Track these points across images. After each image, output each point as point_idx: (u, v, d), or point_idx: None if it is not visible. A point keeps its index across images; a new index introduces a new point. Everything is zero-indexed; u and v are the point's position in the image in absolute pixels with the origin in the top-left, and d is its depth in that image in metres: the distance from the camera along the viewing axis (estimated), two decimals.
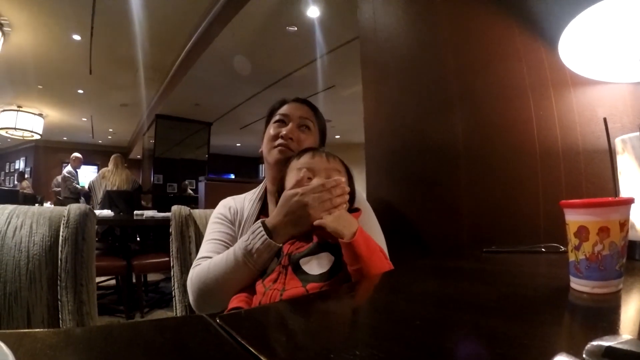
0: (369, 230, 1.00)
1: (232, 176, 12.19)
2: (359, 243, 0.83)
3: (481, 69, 1.40)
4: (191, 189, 8.86)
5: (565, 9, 1.03)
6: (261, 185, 1.24)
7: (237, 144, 12.78)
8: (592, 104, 1.12)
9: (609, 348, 0.29)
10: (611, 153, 0.92)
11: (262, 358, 0.37)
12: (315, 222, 0.90)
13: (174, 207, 1.36)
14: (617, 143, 0.90)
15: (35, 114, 9.02)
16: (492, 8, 1.37)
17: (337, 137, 10.50)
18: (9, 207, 1.04)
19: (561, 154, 1.17)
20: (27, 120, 8.89)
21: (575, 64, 1.07)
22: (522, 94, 1.27)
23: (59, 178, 6.59)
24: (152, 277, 4.43)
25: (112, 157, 5.23)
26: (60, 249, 1.01)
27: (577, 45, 1.01)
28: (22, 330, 0.46)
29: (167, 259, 3.37)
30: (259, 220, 0.96)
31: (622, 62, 1.00)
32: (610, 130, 0.95)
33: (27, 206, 1.08)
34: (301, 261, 0.87)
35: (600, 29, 0.94)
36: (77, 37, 5.20)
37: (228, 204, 1.19)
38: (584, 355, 0.30)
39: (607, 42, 0.96)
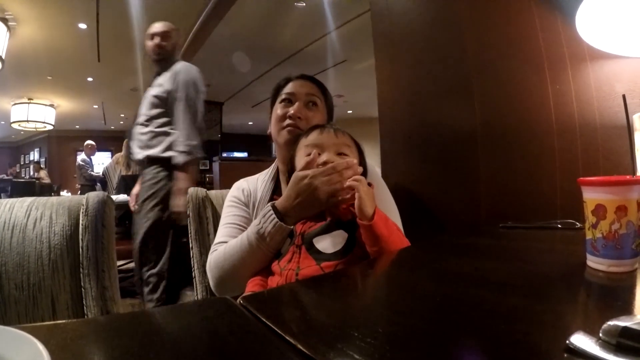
0: (383, 205, 1.00)
1: (246, 155, 12.24)
2: (378, 224, 0.84)
3: (498, 44, 1.37)
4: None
5: None
6: (273, 165, 1.25)
7: (249, 122, 12.76)
8: (610, 79, 1.10)
9: (625, 328, 0.30)
10: (629, 129, 0.91)
11: (287, 338, 0.38)
12: (348, 183, 0.89)
13: (191, 190, 1.36)
14: (636, 119, 0.89)
15: (46, 105, 9.08)
16: None
17: (350, 112, 10.38)
18: (28, 200, 1.05)
19: (578, 130, 1.16)
20: (38, 112, 8.95)
21: (593, 37, 1.04)
22: (539, 68, 1.24)
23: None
24: None
25: (125, 141, 5.25)
26: (80, 237, 1.02)
27: (595, 19, 0.98)
28: (51, 322, 0.47)
29: (184, 240, 3.43)
30: (270, 203, 0.97)
31: None
32: (629, 107, 0.94)
33: (45, 197, 1.08)
34: (314, 240, 0.88)
35: (619, 2, 0.92)
36: (83, 26, 5.18)
37: (241, 186, 1.20)
38: (600, 335, 0.31)
39: (626, 15, 0.93)
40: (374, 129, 1.86)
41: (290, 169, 1.04)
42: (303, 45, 6.03)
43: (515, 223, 1.03)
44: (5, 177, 8.32)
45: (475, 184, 1.39)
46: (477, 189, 1.39)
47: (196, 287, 1.31)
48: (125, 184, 4.40)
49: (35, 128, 9.52)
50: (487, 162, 1.37)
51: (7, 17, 4.66)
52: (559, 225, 0.97)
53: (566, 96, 1.19)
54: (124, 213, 4.06)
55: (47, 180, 8.81)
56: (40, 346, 0.32)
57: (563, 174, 1.19)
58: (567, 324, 0.40)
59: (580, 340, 0.31)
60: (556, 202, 1.19)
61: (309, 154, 0.99)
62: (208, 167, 8.91)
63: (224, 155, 7.04)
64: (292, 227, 0.94)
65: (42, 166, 10.61)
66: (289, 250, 0.91)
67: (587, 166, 1.14)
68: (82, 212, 1.04)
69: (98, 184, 6.17)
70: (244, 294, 0.82)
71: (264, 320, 0.44)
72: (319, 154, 0.98)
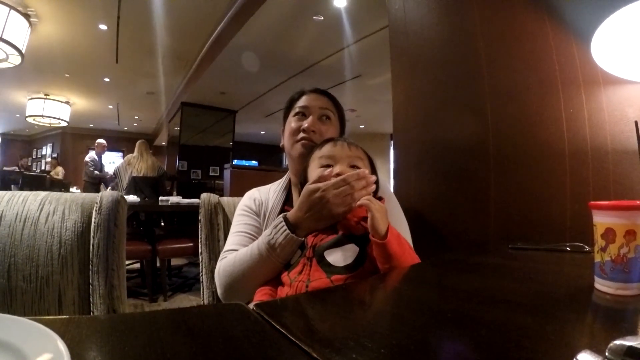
0: (394, 219, 0.99)
1: (256, 163, 12.31)
2: (392, 243, 0.84)
3: (512, 64, 1.39)
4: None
5: (600, 7, 1.01)
6: (285, 176, 1.26)
7: (262, 132, 12.84)
8: (622, 104, 1.10)
9: (630, 348, 0.31)
10: None
11: (302, 345, 0.39)
12: (360, 202, 0.88)
13: (204, 195, 1.38)
14: None
15: (62, 102, 9.18)
16: (525, 2, 1.35)
17: (362, 126, 10.38)
18: (41, 194, 1.06)
19: (590, 153, 1.16)
20: (54, 108, 9.05)
21: (607, 62, 1.05)
22: (553, 90, 1.25)
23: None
24: (175, 261, 4.54)
25: (137, 143, 5.28)
26: (92, 234, 1.02)
27: (610, 44, 1.00)
28: (65, 317, 0.48)
29: (190, 244, 3.46)
30: (281, 215, 0.98)
31: None
32: None
33: (59, 193, 1.09)
34: (325, 253, 0.88)
35: (635, 29, 0.93)
36: (103, 27, 5.28)
37: (253, 196, 1.21)
38: (606, 354, 0.32)
39: None
40: (386, 144, 1.87)
41: (303, 180, 1.05)
42: (319, 59, 6.07)
43: (525, 244, 1.03)
44: (17, 170, 8.38)
45: (486, 203, 1.39)
46: (487, 208, 1.39)
47: (203, 292, 1.31)
48: (136, 185, 4.44)
49: (50, 124, 9.61)
50: (498, 181, 1.37)
51: (29, 13, 4.77)
52: (568, 248, 0.97)
53: (579, 119, 1.19)
54: (133, 213, 4.11)
55: (61, 177, 8.85)
56: (61, 344, 0.33)
57: (573, 196, 1.19)
58: (573, 343, 0.41)
59: (587, 358, 0.32)
60: (565, 224, 1.19)
61: (323, 166, 1.00)
62: (218, 174, 8.97)
63: (235, 163, 7.06)
64: (303, 239, 0.94)
65: (59, 162, 10.63)
66: (300, 262, 0.91)
67: (597, 190, 1.14)
68: (95, 210, 1.05)
69: (110, 182, 6.22)
70: (255, 302, 0.83)
71: (278, 327, 0.45)
72: (332, 167, 0.99)
